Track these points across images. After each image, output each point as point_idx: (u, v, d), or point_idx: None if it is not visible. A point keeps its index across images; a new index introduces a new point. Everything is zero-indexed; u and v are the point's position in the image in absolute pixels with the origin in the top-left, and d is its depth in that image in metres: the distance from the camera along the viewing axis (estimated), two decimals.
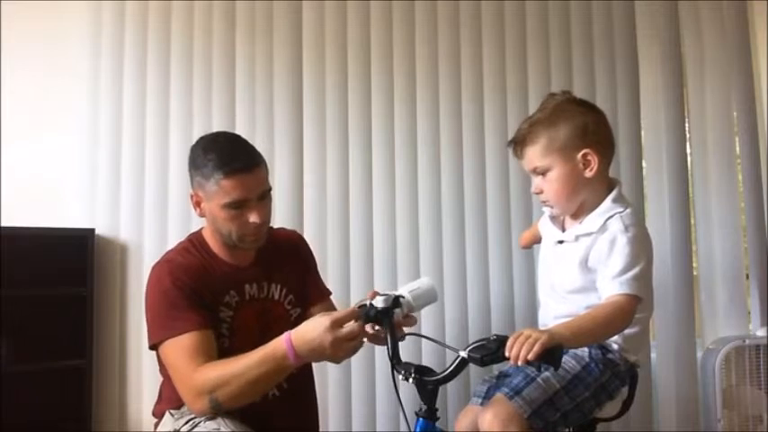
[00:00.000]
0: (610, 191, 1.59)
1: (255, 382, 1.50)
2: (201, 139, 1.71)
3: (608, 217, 1.55)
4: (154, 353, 1.66)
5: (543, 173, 1.58)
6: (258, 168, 1.64)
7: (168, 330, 1.59)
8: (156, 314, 1.63)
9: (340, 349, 1.44)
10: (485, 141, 2.53)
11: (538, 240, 1.90)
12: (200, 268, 1.67)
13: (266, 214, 1.67)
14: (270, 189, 1.69)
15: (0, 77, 2.38)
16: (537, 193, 1.62)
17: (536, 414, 1.46)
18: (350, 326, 1.44)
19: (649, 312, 1.63)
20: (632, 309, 1.47)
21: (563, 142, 1.56)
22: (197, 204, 1.68)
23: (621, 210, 1.55)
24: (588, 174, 1.56)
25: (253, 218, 1.62)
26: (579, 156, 1.56)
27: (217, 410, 1.53)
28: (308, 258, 1.89)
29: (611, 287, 1.48)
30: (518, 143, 1.61)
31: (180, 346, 1.57)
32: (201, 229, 1.77)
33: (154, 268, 1.68)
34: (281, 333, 1.49)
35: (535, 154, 1.58)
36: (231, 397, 1.51)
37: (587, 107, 1.63)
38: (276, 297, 1.75)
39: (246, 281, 1.72)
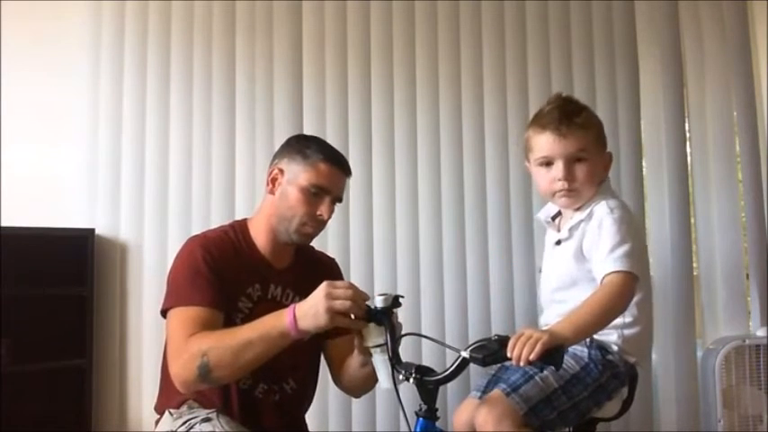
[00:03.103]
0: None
1: (253, 348, 1.46)
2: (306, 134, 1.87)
3: (594, 204, 1.58)
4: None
5: (581, 159, 1.57)
6: (348, 177, 1.76)
7: (180, 298, 1.60)
8: (176, 282, 1.64)
9: (331, 305, 1.39)
10: (485, 142, 2.53)
11: None
12: (233, 252, 1.69)
13: (331, 216, 1.72)
14: (341, 201, 1.76)
15: (0, 78, 2.38)
16: (567, 180, 1.57)
17: (532, 412, 1.46)
18: (345, 284, 1.44)
19: (649, 311, 1.63)
20: (629, 286, 1.46)
21: (601, 137, 1.62)
22: (273, 180, 1.72)
23: (607, 197, 1.59)
24: (604, 174, 1.63)
25: (321, 210, 1.69)
26: (606, 154, 1.63)
27: (204, 378, 1.48)
28: None
29: (604, 266, 1.47)
30: (572, 119, 1.57)
31: (185, 316, 1.57)
32: (246, 219, 1.79)
33: (189, 240, 1.70)
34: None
35: (588, 138, 1.58)
36: (223, 362, 1.47)
37: None
38: None
39: (273, 281, 1.72)
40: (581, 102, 1.67)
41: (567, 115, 1.57)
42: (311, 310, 1.42)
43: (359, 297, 1.42)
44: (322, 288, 1.43)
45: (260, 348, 1.47)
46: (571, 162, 1.57)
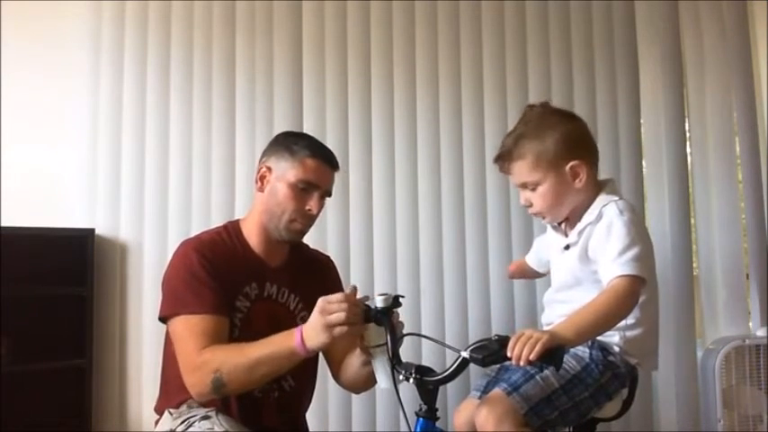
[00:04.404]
0: (601, 190, 1.61)
1: (263, 366, 1.50)
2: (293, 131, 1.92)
3: (603, 205, 1.56)
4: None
5: (533, 187, 1.58)
6: (335, 171, 1.76)
7: (184, 306, 1.60)
8: (174, 287, 1.64)
9: (327, 321, 1.40)
10: (485, 142, 2.53)
11: (524, 274, 2.00)
12: (228, 252, 1.69)
13: (320, 210, 1.73)
14: (330, 195, 1.76)
15: (0, 78, 2.38)
16: (526, 206, 1.63)
17: (533, 411, 1.46)
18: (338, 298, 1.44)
19: (653, 312, 1.63)
20: (635, 290, 1.46)
21: (551, 155, 1.56)
22: (262, 178, 1.73)
23: (616, 198, 1.58)
24: (578, 185, 1.58)
25: (310, 205, 1.70)
26: (567, 168, 1.57)
27: (218, 391, 1.52)
28: (335, 286, 1.87)
29: (611, 270, 1.47)
30: (504, 158, 1.60)
31: (192, 325, 1.58)
32: (239, 219, 1.80)
33: (183, 243, 1.70)
34: None
35: (523, 169, 1.58)
36: (236, 378, 1.51)
37: (568, 116, 1.65)
38: (291, 308, 1.75)
39: (269, 279, 1.73)
40: (536, 116, 1.62)
41: (502, 152, 1.61)
42: (312, 329, 1.44)
43: (352, 306, 1.42)
44: (317, 305, 1.44)
45: (270, 367, 1.51)
46: (525, 190, 1.61)
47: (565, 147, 1.57)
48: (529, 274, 1.97)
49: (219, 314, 1.60)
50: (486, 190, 2.52)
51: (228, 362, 1.51)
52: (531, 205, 1.61)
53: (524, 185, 1.60)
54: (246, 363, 1.50)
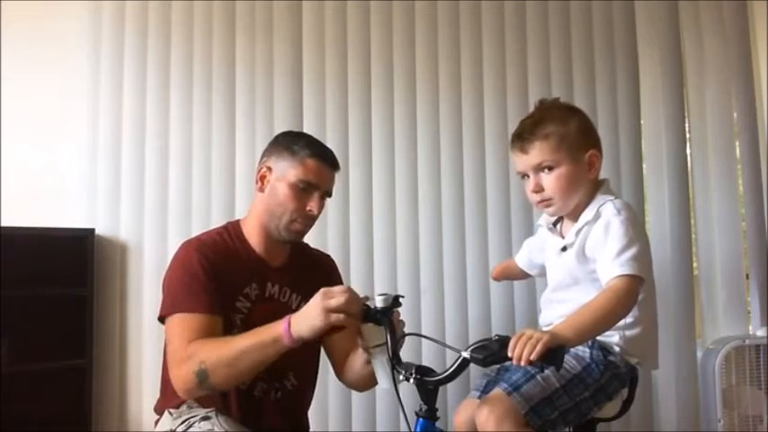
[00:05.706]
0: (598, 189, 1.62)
1: (248, 355, 1.48)
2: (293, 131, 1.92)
3: (600, 205, 1.57)
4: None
5: (550, 168, 1.57)
6: (336, 172, 1.77)
7: (179, 305, 1.60)
8: (173, 287, 1.65)
9: (327, 305, 1.41)
10: (485, 142, 2.53)
11: (510, 276, 1.98)
12: (228, 253, 1.70)
13: (320, 211, 1.73)
14: (331, 195, 1.76)
15: (0, 78, 2.38)
16: (536, 192, 1.60)
17: (534, 411, 1.46)
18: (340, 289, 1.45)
19: (651, 310, 1.63)
20: (634, 289, 1.46)
21: (573, 139, 1.58)
22: (262, 178, 1.74)
23: (612, 198, 1.58)
24: (591, 174, 1.59)
25: (311, 206, 1.70)
26: (587, 156, 1.58)
27: (203, 384, 1.51)
28: (336, 284, 1.86)
29: (610, 269, 1.47)
30: (525, 138, 1.59)
31: (184, 324, 1.58)
32: (239, 219, 1.80)
33: (183, 244, 1.71)
34: None
35: (545, 148, 1.57)
36: (220, 369, 1.49)
37: (581, 111, 1.67)
38: (293, 307, 1.74)
39: (270, 279, 1.73)
40: (555, 105, 1.66)
41: (524, 130, 1.60)
42: (306, 314, 1.44)
43: (353, 296, 1.43)
44: (318, 293, 1.45)
45: (254, 356, 1.49)
46: (538, 173, 1.59)
47: (585, 135, 1.60)
48: (516, 276, 1.96)
49: (213, 314, 1.60)
50: (486, 190, 2.52)
51: (213, 353, 1.50)
52: (540, 190, 1.59)
53: (539, 167, 1.58)
54: (231, 353, 1.49)
